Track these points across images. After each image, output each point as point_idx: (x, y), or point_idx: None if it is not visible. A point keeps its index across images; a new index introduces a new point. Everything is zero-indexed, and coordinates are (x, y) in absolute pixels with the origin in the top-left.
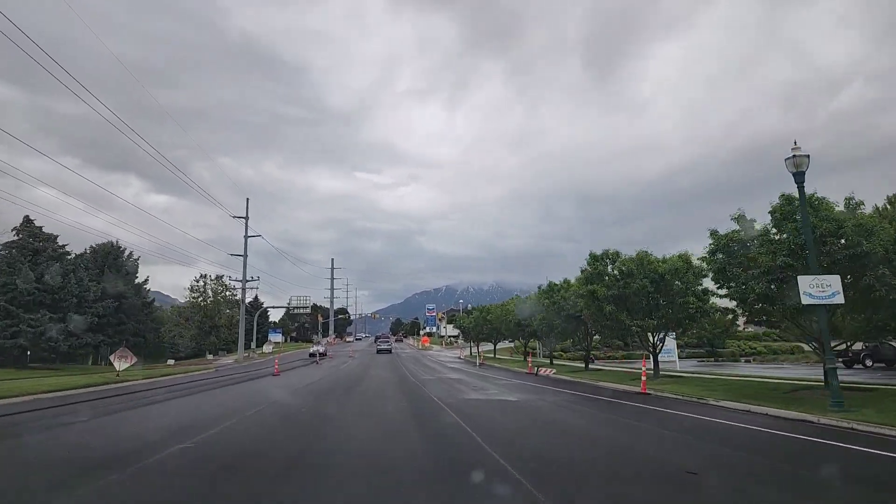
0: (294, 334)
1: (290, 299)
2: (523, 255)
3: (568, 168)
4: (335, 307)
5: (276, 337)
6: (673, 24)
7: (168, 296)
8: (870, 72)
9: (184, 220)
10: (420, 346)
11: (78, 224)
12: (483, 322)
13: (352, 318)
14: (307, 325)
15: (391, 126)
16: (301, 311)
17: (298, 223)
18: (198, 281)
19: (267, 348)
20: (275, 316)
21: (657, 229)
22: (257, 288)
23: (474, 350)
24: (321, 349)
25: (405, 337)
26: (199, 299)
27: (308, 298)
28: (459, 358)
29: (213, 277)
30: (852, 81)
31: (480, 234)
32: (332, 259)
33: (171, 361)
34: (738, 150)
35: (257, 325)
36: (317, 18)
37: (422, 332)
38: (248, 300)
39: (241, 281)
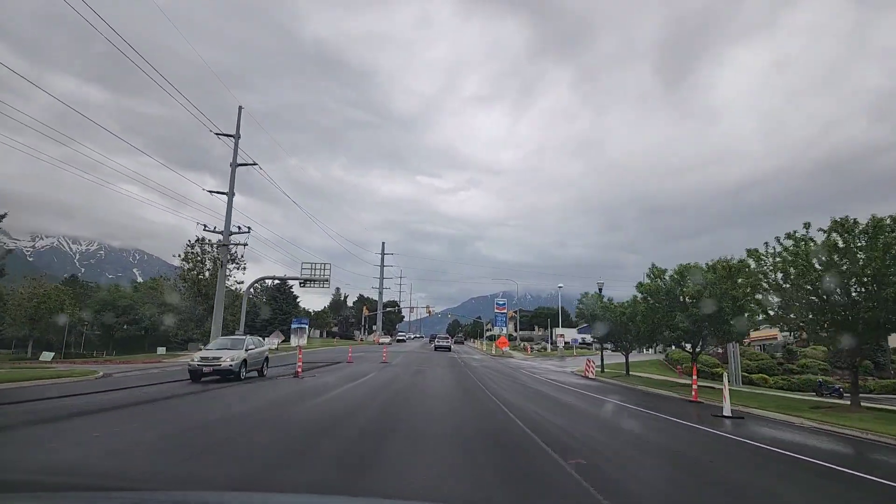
0: (336, 328)
1: (302, 267)
2: (584, 265)
3: (633, 177)
4: (385, 300)
5: (302, 328)
6: (753, 30)
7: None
8: None
9: (251, 218)
10: (494, 352)
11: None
12: (644, 313)
13: (402, 312)
14: (352, 318)
15: (454, 131)
16: (317, 285)
17: (360, 224)
18: (192, 247)
19: (270, 344)
20: (311, 303)
21: (727, 242)
22: (245, 244)
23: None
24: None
25: (466, 339)
26: (195, 272)
27: (327, 267)
28: (587, 376)
29: (212, 242)
30: None
31: (540, 241)
32: (383, 243)
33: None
34: (820, 163)
35: (280, 312)
36: (386, 24)
37: (487, 333)
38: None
39: (221, 240)
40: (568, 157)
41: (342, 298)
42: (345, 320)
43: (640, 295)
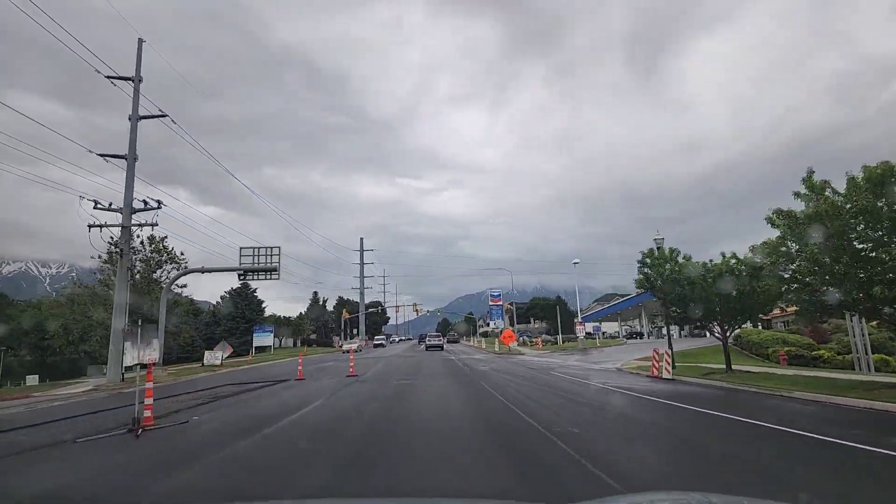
0: (313, 335)
1: (242, 254)
2: (568, 258)
3: (613, 168)
4: (368, 301)
5: (264, 338)
6: (716, 20)
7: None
8: None
9: (228, 230)
10: (499, 349)
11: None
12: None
13: (388, 313)
14: (331, 323)
15: (433, 132)
16: (262, 276)
17: (344, 230)
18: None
19: (213, 358)
20: (285, 309)
21: (705, 227)
22: (154, 224)
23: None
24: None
25: (460, 338)
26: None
27: (274, 252)
28: (658, 376)
29: (153, 238)
30: None
31: (524, 237)
32: (361, 238)
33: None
34: (786, 145)
35: (242, 320)
36: (357, 28)
37: (480, 329)
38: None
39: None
40: (547, 153)
41: (321, 302)
42: (323, 326)
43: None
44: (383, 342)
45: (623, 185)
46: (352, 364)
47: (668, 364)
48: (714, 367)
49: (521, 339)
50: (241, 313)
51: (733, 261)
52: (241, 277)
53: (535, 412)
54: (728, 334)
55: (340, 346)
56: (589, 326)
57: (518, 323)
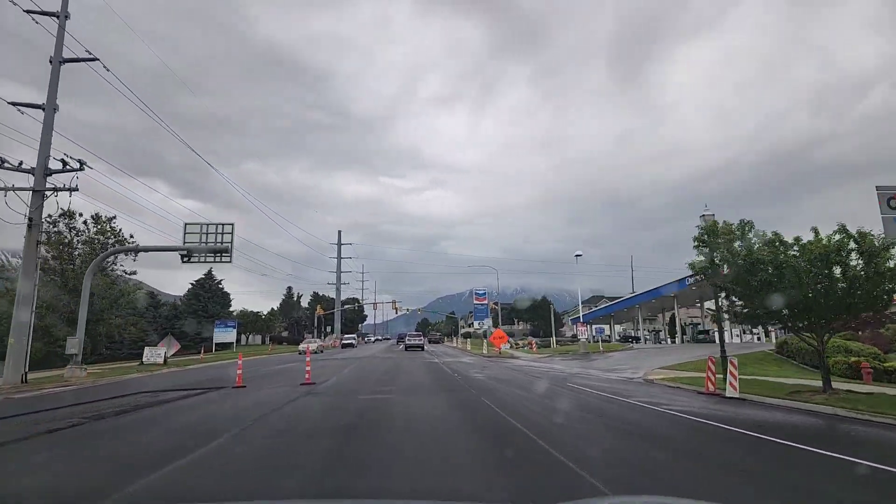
0: (285, 332)
1: (186, 231)
2: (549, 260)
3: (593, 171)
4: (344, 297)
5: (225, 334)
6: (699, 28)
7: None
8: None
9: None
10: (487, 351)
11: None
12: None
13: (365, 311)
14: (304, 320)
15: (417, 131)
16: (212, 258)
17: (325, 227)
18: (54, 224)
19: (154, 356)
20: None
21: (684, 233)
22: (73, 189)
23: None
24: None
25: (443, 338)
26: (61, 258)
27: (226, 230)
28: (719, 393)
29: (98, 217)
30: (880, 84)
31: (506, 238)
32: (339, 231)
33: None
34: (766, 153)
35: (204, 314)
36: (343, 26)
37: (462, 330)
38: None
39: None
40: (531, 154)
41: (295, 298)
42: (296, 322)
43: None
44: (352, 342)
45: (605, 188)
46: (308, 369)
47: (734, 378)
48: (787, 382)
49: (509, 341)
50: (204, 307)
51: (841, 237)
52: (186, 259)
53: (620, 476)
54: (825, 339)
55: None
56: (591, 328)
57: (502, 324)
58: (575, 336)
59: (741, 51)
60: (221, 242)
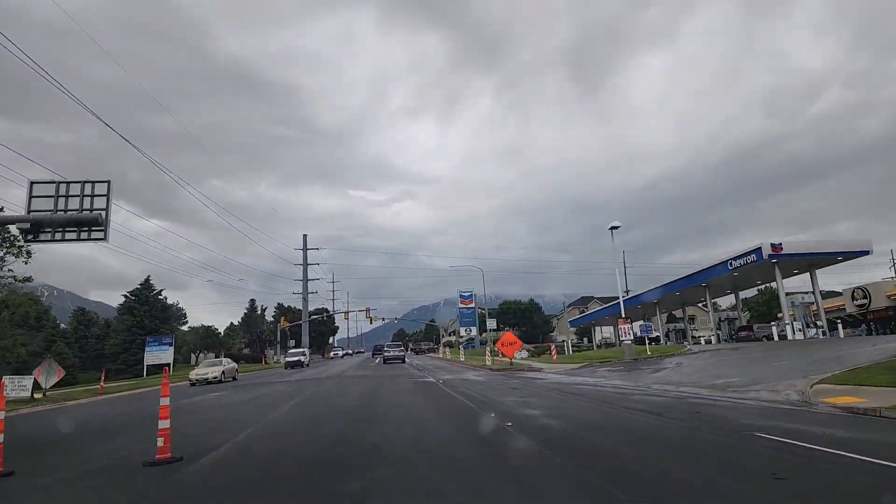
0: (246, 349)
1: (32, 192)
2: (520, 267)
3: (560, 179)
4: (314, 307)
5: (160, 354)
6: (655, 36)
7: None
8: (846, 76)
9: (176, 243)
10: (491, 363)
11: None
12: None
13: (336, 322)
14: (267, 335)
15: (384, 144)
16: (75, 234)
17: (296, 242)
18: None
19: (18, 389)
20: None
21: (649, 236)
22: None
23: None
24: None
25: (427, 350)
26: None
27: (97, 191)
28: None
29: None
30: (830, 86)
31: (477, 247)
32: (304, 235)
33: None
34: (723, 156)
35: (139, 330)
36: (306, 40)
37: (443, 339)
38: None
39: None
40: (498, 164)
41: (258, 311)
42: (258, 337)
43: None
44: (301, 359)
45: (572, 195)
46: (164, 426)
47: None
48: None
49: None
50: (139, 323)
51: None
52: (31, 236)
53: None
54: None
55: (277, 360)
56: (635, 326)
57: (480, 332)
58: (586, 340)
59: (696, 58)
60: (91, 210)
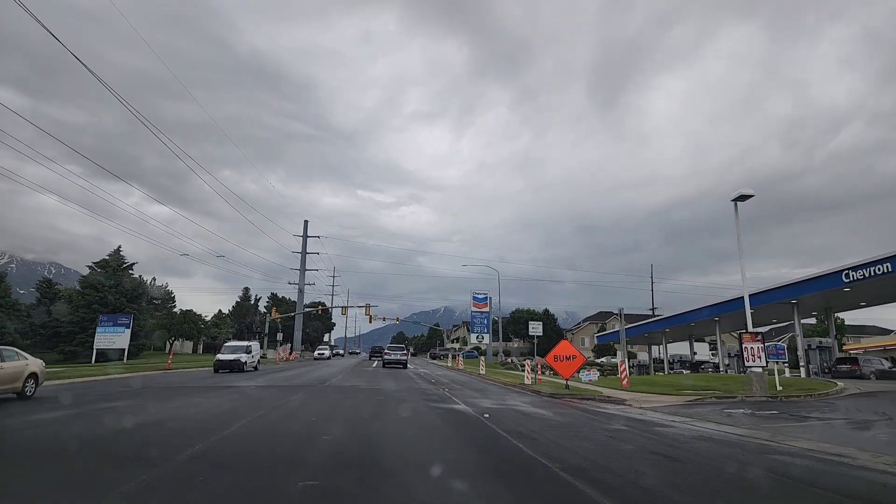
0: (233, 340)
1: None
2: (524, 280)
3: (570, 195)
4: (310, 300)
5: (113, 336)
6: (676, 58)
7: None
8: (870, 113)
9: (184, 231)
10: (532, 382)
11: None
12: None
13: (333, 317)
14: (257, 326)
15: (396, 147)
16: None
17: (316, 263)
18: None
19: None
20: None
21: (657, 259)
22: None
23: None
24: None
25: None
26: None
27: None
28: None
29: None
30: (852, 122)
31: (481, 256)
32: (306, 221)
33: None
34: (738, 185)
35: (101, 306)
36: (327, 38)
37: (448, 346)
38: None
39: None
40: (508, 175)
41: (252, 301)
42: (247, 328)
43: None
44: (239, 358)
45: (580, 212)
46: None
47: None
48: None
49: (511, 362)
50: (102, 299)
51: None
52: None
53: None
54: None
55: (263, 355)
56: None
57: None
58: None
59: (717, 83)
60: None
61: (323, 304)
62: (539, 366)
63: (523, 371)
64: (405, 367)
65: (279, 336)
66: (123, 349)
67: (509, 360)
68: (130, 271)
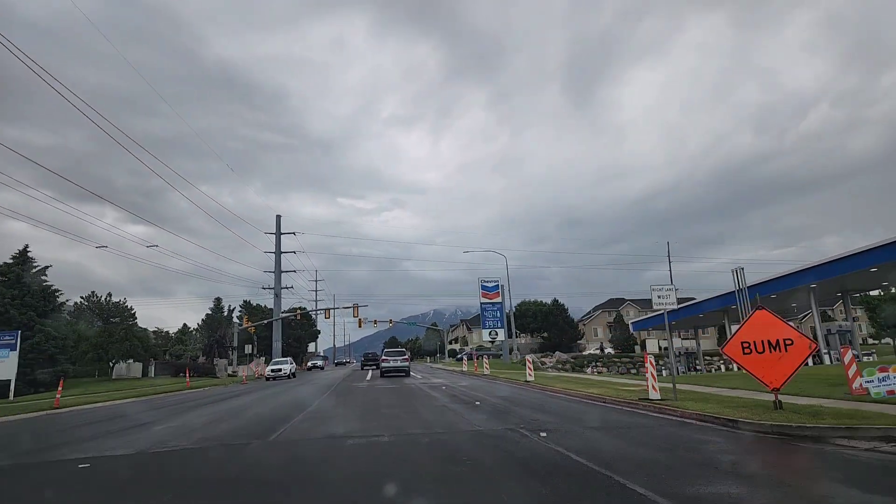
0: (202, 357)
1: None
2: (510, 278)
3: (552, 191)
4: (290, 307)
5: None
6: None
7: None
8: (835, 94)
9: (161, 250)
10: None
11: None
12: None
13: (316, 324)
14: (224, 339)
15: (375, 153)
16: None
17: (295, 265)
18: None
19: None
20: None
21: (639, 249)
22: None
23: None
24: None
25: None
26: None
27: None
28: None
29: None
30: (819, 104)
31: (467, 257)
32: (278, 216)
33: None
34: (714, 172)
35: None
36: (298, 46)
37: (449, 347)
38: None
39: None
40: (489, 175)
41: (225, 313)
42: (218, 342)
43: None
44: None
45: (562, 206)
46: None
47: None
48: None
49: (542, 362)
50: (2, 313)
51: None
52: None
53: None
54: None
55: (234, 372)
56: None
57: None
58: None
59: (688, 73)
60: None
61: (303, 309)
62: (649, 364)
63: (590, 373)
64: (408, 374)
65: (248, 349)
66: (9, 381)
67: (546, 361)
68: (44, 277)
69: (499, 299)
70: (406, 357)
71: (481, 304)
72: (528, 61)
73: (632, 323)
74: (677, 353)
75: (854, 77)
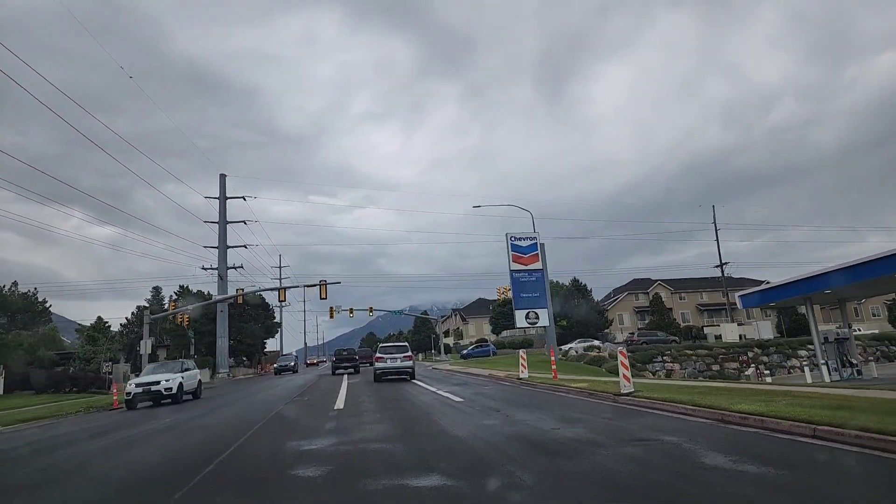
0: (126, 361)
1: None
2: (485, 273)
3: (524, 187)
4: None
5: None
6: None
7: None
8: (798, 89)
9: (129, 251)
10: None
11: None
12: None
13: (275, 315)
14: (165, 338)
15: (347, 149)
16: None
17: (254, 250)
18: None
19: None
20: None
21: (611, 244)
22: None
23: None
24: None
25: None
26: None
27: None
28: None
29: None
30: (783, 97)
31: (442, 253)
32: (223, 175)
33: None
34: (685, 164)
35: None
36: (268, 42)
37: (458, 338)
38: None
39: None
40: (463, 170)
41: (166, 304)
42: (131, 344)
43: None
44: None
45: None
46: None
47: None
48: None
49: (660, 364)
50: None
51: None
52: None
53: None
54: None
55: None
56: None
57: (507, 328)
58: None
59: (657, 70)
60: None
61: (252, 292)
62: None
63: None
64: (411, 376)
65: (187, 351)
66: None
67: (655, 361)
68: None
69: (537, 264)
70: (408, 354)
71: (512, 273)
72: (500, 57)
73: (740, 297)
74: (824, 341)
75: (815, 71)
